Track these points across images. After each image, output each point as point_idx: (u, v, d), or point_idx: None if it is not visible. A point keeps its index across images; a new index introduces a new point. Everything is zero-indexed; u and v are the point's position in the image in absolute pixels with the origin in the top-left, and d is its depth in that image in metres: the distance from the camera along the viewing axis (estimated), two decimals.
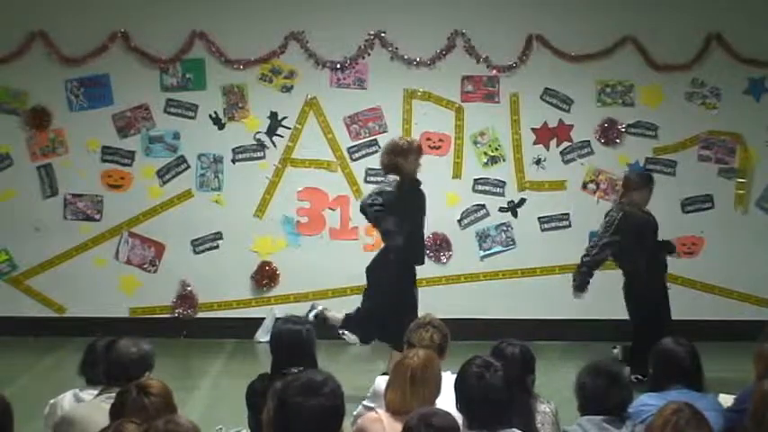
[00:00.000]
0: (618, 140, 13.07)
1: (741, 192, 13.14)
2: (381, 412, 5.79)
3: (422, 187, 10.40)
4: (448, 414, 4.87)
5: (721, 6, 13.04)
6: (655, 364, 6.46)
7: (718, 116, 13.11)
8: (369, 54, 12.92)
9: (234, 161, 12.87)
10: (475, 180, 12.99)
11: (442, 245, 12.89)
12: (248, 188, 12.81)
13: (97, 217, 12.84)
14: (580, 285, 11.04)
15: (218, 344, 12.43)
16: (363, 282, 12.87)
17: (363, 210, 10.20)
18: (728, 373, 8.97)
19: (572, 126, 13.05)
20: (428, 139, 12.95)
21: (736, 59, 13.02)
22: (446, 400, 5.20)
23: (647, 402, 6.00)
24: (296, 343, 6.52)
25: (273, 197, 12.85)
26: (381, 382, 6.34)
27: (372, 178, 12.88)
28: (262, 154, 12.89)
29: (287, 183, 12.84)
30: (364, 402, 6.77)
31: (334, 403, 4.55)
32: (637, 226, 10.80)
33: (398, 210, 9.99)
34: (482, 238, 13.04)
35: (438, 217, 12.75)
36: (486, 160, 13.01)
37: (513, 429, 5.30)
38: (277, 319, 8.82)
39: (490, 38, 12.90)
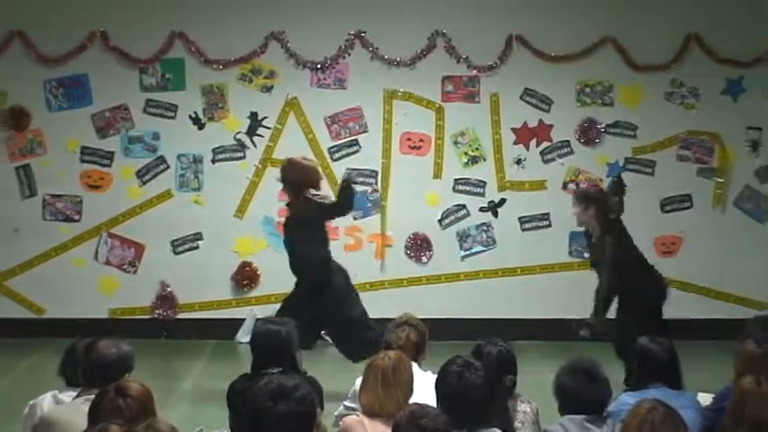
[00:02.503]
0: (597, 140, 13.11)
1: (719, 191, 13.21)
2: (362, 414, 5.79)
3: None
4: (438, 414, 4.86)
5: (700, 7, 13.10)
6: (634, 364, 6.48)
7: (696, 116, 13.17)
8: (349, 54, 12.93)
9: (214, 161, 12.86)
10: (455, 180, 13.00)
11: (423, 245, 12.90)
12: (228, 188, 12.79)
13: (76, 218, 12.81)
14: None
15: (198, 345, 12.41)
16: None
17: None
18: (708, 371, 8.98)
19: (552, 126, 13.09)
20: (408, 139, 12.99)
21: (714, 60, 13.10)
22: (427, 400, 5.19)
23: (627, 401, 5.99)
24: (275, 343, 6.52)
25: (254, 197, 12.84)
26: None
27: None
28: (242, 154, 12.88)
29: (267, 183, 12.81)
30: (345, 403, 6.78)
31: (305, 409, 4.52)
32: None
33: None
34: (462, 237, 13.05)
35: (418, 217, 12.78)
36: (466, 160, 13.03)
37: (494, 429, 5.31)
38: (258, 319, 8.81)
39: (470, 38, 12.93)
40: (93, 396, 5.31)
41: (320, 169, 10.39)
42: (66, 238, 12.78)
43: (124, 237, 12.83)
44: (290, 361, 6.48)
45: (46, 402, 6.23)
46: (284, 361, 6.40)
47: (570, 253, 13.09)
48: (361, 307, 10.11)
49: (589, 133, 13.11)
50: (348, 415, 6.00)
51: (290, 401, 4.48)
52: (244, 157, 12.87)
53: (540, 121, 13.09)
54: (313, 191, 9.88)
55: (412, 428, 4.70)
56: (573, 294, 13.02)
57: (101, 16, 12.71)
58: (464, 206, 13.04)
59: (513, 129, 13.07)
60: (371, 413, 5.72)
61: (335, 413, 6.72)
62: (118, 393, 5.04)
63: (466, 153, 13.04)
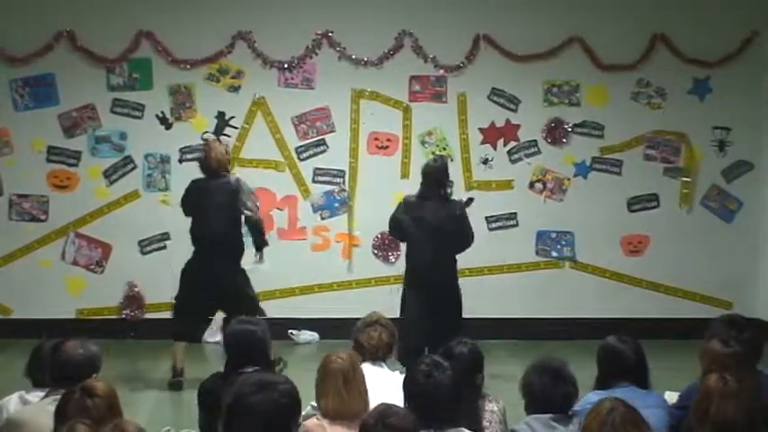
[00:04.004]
0: (564, 140, 13.15)
1: (686, 191, 13.27)
2: (322, 418, 5.81)
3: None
4: (407, 413, 4.87)
5: (666, 7, 13.16)
6: (600, 363, 6.50)
7: (663, 116, 13.23)
8: (316, 54, 12.92)
9: (181, 161, 12.82)
10: None
11: (391, 245, 12.89)
12: None
13: (43, 218, 12.75)
14: None
15: (166, 345, 12.35)
16: (312, 281, 12.90)
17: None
18: (674, 370, 9.04)
19: (519, 126, 13.12)
20: (376, 139, 12.99)
21: (680, 60, 13.16)
22: (394, 401, 5.20)
23: (593, 401, 6.02)
24: (251, 342, 6.52)
25: None
26: None
27: (320, 178, 12.91)
28: None
29: None
30: (312, 403, 6.77)
31: (289, 401, 4.51)
32: None
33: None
34: None
35: (386, 217, 12.75)
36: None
37: (461, 429, 5.32)
38: (230, 318, 8.80)
39: (438, 38, 12.94)
40: (60, 396, 5.30)
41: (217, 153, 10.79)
42: (33, 239, 12.72)
43: (91, 237, 12.78)
44: (264, 360, 6.48)
45: (12, 403, 6.21)
46: (259, 360, 6.40)
47: (537, 252, 13.14)
48: None
49: (556, 133, 13.16)
50: (314, 415, 6.01)
51: (274, 392, 4.47)
52: None
53: (508, 121, 13.12)
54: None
55: (380, 428, 4.70)
56: (540, 294, 13.10)
57: (67, 16, 12.65)
58: None
59: (480, 128, 13.10)
60: (334, 416, 5.75)
61: (303, 413, 6.71)
62: (84, 393, 5.03)
63: (433, 153, 13.03)
